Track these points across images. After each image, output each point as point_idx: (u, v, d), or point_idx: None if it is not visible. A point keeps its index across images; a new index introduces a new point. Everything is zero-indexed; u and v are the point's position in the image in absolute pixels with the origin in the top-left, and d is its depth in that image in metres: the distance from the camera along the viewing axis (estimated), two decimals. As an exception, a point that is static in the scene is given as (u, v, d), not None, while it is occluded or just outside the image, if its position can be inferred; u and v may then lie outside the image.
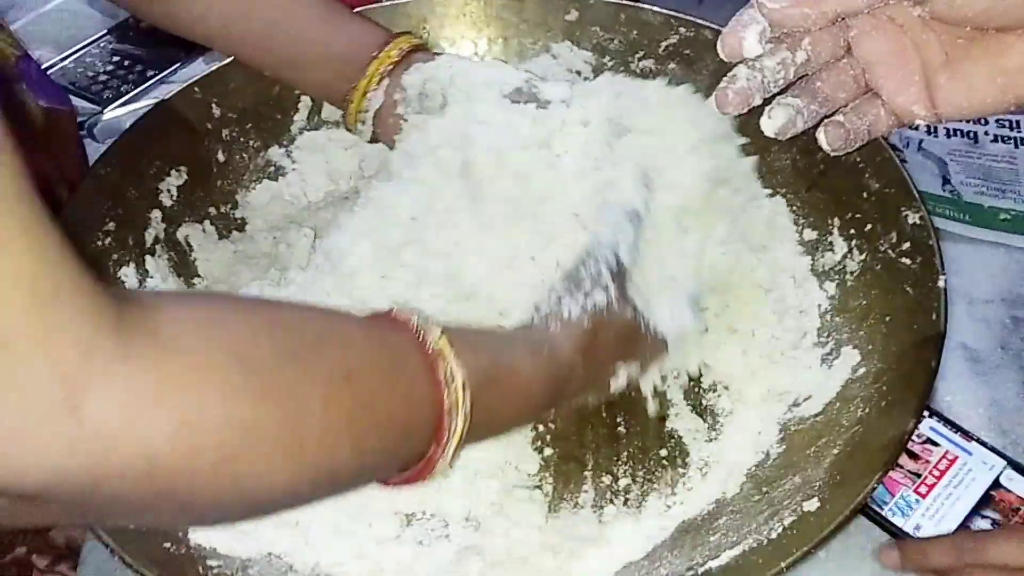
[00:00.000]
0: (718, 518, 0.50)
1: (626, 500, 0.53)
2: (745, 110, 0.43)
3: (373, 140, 0.66)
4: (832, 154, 0.43)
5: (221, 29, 0.64)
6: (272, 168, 0.71)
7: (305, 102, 0.71)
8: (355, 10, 0.68)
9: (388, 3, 0.75)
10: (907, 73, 0.42)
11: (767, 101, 0.44)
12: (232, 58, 0.69)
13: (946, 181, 0.76)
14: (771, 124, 0.43)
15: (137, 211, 0.63)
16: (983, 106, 0.41)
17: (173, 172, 0.66)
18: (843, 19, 0.41)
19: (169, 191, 0.65)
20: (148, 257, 0.62)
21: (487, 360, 0.42)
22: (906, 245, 0.56)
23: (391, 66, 0.63)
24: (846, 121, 0.43)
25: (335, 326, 0.38)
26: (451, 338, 0.39)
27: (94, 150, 0.73)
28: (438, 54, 0.66)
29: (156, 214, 0.64)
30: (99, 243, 0.59)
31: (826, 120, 0.43)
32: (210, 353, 0.30)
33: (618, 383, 0.51)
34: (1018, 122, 0.82)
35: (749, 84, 0.42)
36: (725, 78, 0.43)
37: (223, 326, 0.32)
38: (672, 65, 0.71)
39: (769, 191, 0.63)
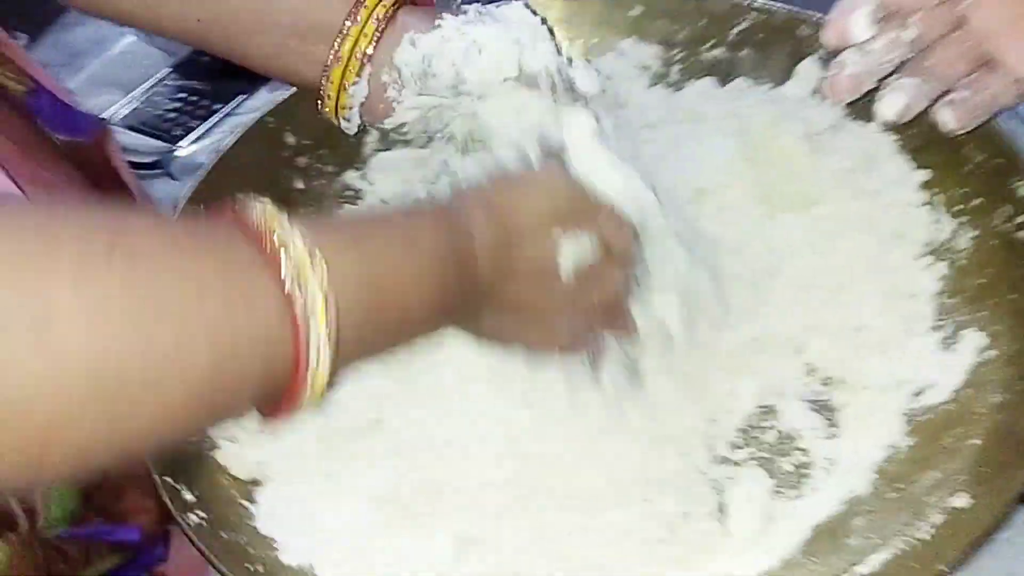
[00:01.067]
0: (852, 519, 0.48)
1: (749, 506, 0.52)
2: (858, 96, 0.41)
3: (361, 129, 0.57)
4: (958, 132, 0.41)
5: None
6: (350, 192, 0.71)
7: (377, 123, 0.71)
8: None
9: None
10: (1030, 40, 0.40)
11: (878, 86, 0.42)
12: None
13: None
14: (889, 108, 0.41)
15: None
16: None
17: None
18: (962, -11, 0.39)
19: (253, 224, 0.65)
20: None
21: (363, 247, 0.35)
22: (1021, 218, 0.53)
23: (371, 44, 0.51)
24: (969, 97, 0.41)
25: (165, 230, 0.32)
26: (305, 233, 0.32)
27: (173, 188, 0.74)
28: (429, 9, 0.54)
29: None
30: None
31: (947, 97, 0.41)
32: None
33: (567, 261, 0.42)
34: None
35: (860, 68, 0.41)
36: (833, 64, 0.42)
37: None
38: (746, 51, 0.69)
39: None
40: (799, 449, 0.53)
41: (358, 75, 0.51)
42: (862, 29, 0.39)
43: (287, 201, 0.67)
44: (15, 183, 0.51)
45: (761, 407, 0.54)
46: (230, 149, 0.67)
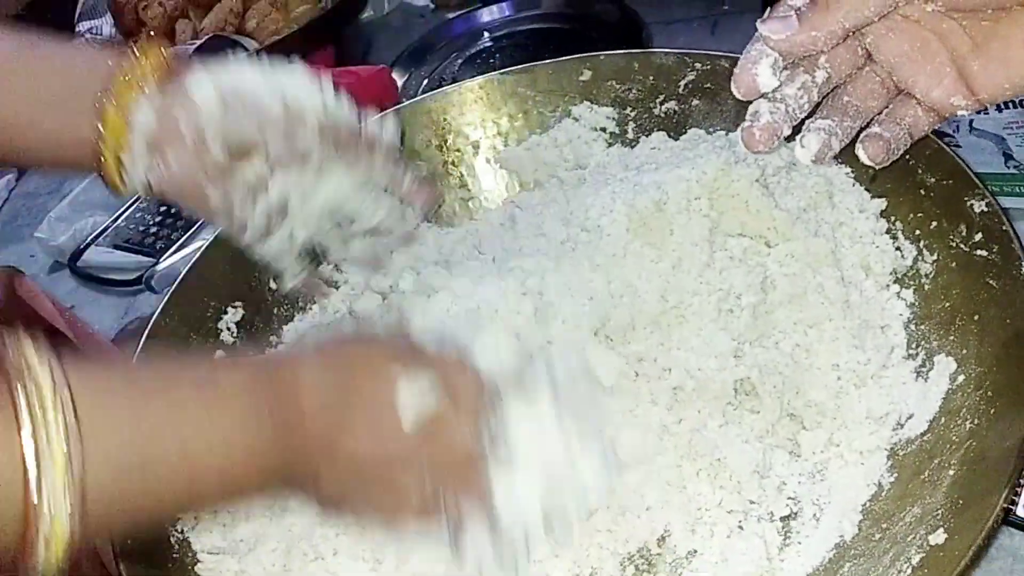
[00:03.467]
0: (841, 566, 0.47)
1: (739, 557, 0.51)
2: (776, 145, 0.42)
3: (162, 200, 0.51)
4: (877, 168, 0.41)
5: None
6: (327, 285, 0.71)
7: (345, 215, 0.72)
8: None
9: (407, 104, 0.76)
10: (937, 66, 0.40)
11: (797, 129, 0.42)
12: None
13: (1008, 157, 0.73)
14: (806, 152, 0.41)
15: (201, 354, 0.64)
16: (1024, 81, 0.38)
17: (230, 309, 0.67)
18: (853, 34, 0.39)
19: (229, 328, 0.66)
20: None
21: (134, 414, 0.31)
22: (978, 236, 0.53)
23: (154, 72, 0.46)
24: (884, 130, 0.41)
25: None
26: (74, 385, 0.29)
27: (155, 301, 0.75)
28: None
29: (219, 353, 0.65)
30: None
31: (863, 133, 0.42)
32: None
33: (407, 409, 0.37)
34: (1071, 79, 0.78)
35: (774, 117, 0.41)
36: (748, 115, 0.42)
37: None
38: (696, 102, 0.70)
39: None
40: (789, 498, 0.52)
41: (139, 98, 0.45)
42: (767, 80, 0.40)
43: (261, 303, 0.69)
44: None
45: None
46: (202, 256, 0.68)
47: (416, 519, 0.38)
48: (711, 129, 0.69)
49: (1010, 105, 0.77)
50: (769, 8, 0.40)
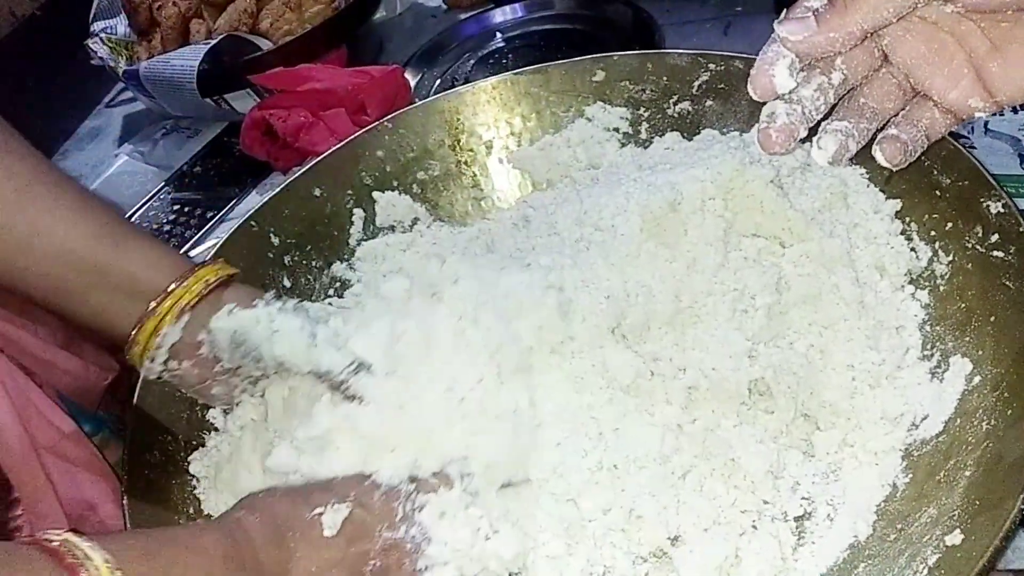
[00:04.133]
0: (855, 566, 0.47)
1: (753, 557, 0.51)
2: (793, 146, 0.42)
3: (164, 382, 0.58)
4: (894, 169, 0.41)
5: None
6: (338, 283, 0.72)
7: (359, 214, 0.73)
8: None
9: (420, 104, 0.76)
10: (954, 68, 0.40)
11: (813, 130, 0.42)
12: (282, 187, 0.71)
13: (1023, 159, 0.72)
14: (823, 154, 0.41)
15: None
16: (1043, 84, 0.38)
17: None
18: (871, 36, 0.39)
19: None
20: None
21: None
22: (994, 237, 0.53)
23: (194, 299, 0.55)
24: (901, 132, 0.41)
25: None
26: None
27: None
28: (255, 289, 0.58)
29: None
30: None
31: (880, 135, 0.41)
32: None
33: (330, 520, 0.46)
34: (1086, 80, 0.78)
35: (790, 118, 0.41)
36: (764, 117, 0.42)
37: None
38: (709, 102, 0.70)
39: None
40: (803, 498, 0.52)
41: (176, 319, 0.54)
42: (784, 81, 0.40)
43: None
44: None
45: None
46: (216, 255, 0.68)
47: None
48: (725, 130, 0.69)
49: (1025, 106, 0.77)
50: (786, 9, 0.40)
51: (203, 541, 0.43)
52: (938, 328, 0.55)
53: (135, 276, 0.54)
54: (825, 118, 0.42)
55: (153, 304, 0.54)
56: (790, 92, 0.41)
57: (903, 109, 0.42)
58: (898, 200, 0.59)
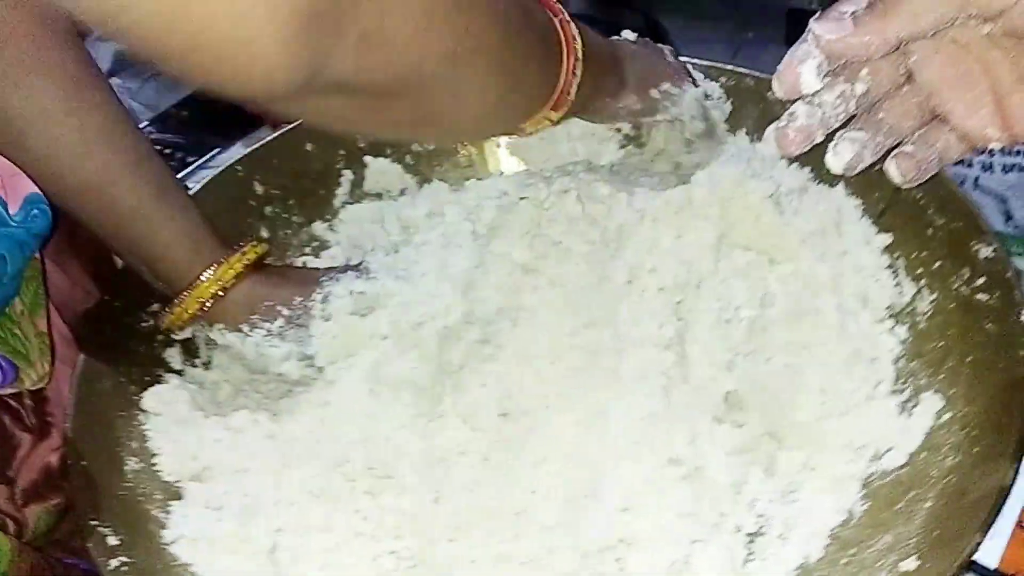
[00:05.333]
0: (803, 586, 0.47)
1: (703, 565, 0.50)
2: (808, 148, 0.41)
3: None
4: (905, 186, 0.41)
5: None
6: (316, 242, 0.70)
7: (347, 176, 0.71)
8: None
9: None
10: (976, 95, 0.40)
11: (829, 138, 0.42)
12: (274, 136, 0.70)
13: (1009, 217, 0.74)
14: (837, 160, 0.41)
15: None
16: (1062, 124, 0.39)
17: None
18: (904, 44, 0.39)
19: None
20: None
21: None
22: (981, 280, 0.53)
23: (233, 280, 0.57)
24: (915, 151, 0.41)
25: None
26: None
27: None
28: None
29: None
30: (144, 324, 0.58)
31: (894, 151, 0.41)
32: None
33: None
34: (1076, 154, 0.79)
35: (810, 121, 0.41)
36: (784, 116, 0.42)
37: None
38: (716, 115, 0.70)
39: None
40: (759, 515, 0.52)
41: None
42: (810, 81, 0.40)
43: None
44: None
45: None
46: (195, 196, 0.66)
47: None
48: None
49: (1015, 168, 0.78)
50: (821, 9, 0.40)
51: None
52: (913, 364, 0.55)
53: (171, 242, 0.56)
54: (842, 127, 0.42)
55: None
56: (812, 95, 0.41)
57: (920, 130, 0.42)
58: (890, 234, 0.59)
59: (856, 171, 0.41)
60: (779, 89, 0.40)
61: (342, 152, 0.71)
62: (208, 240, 0.57)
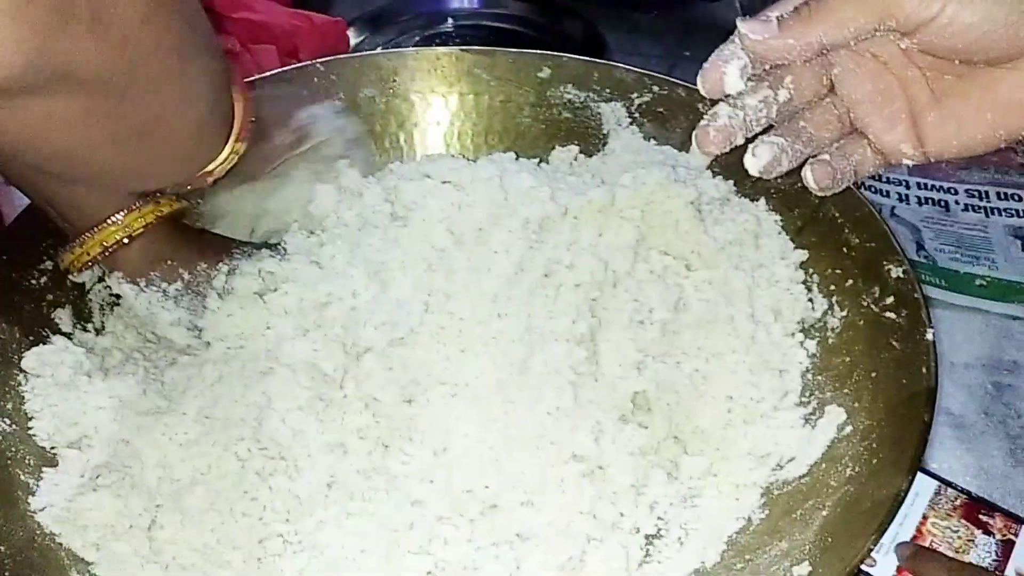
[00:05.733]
0: (697, 590, 0.46)
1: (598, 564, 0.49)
2: (727, 149, 0.41)
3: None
4: (818, 194, 0.41)
5: None
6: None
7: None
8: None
9: (359, 55, 0.74)
10: (893, 112, 0.40)
11: (749, 142, 0.42)
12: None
13: (920, 247, 0.76)
14: (755, 162, 0.41)
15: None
16: (973, 143, 0.39)
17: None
18: (826, 53, 0.39)
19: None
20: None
21: None
22: (890, 299, 0.54)
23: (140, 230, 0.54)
24: (832, 160, 0.41)
25: None
26: None
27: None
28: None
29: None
30: (34, 281, 0.55)
31: (811, 159, 0.42)
32: None
33: None
34: (987, 192, 0.82)
35: (731, 122, 0.41)
36: (706, 116, 0.42)
37: None
38: (646, 123, 0.70)
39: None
40: (659, 518, 0.52)
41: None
42: (734, 81, 0.40)
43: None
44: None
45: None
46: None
47: None
48: (659, 144, 0.69)
49: (929, 201, 0.81)
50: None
51: None
52: (820, 377, 0.56)
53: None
54: (763, 132, 0.42)
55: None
56: (736, 97, 0.41)
57: (838, 141, 0.42)
58: (806, 251, 0.60)
59: (772, 175, 0.41)
60: (702, 86, 0.40)
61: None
62: None
